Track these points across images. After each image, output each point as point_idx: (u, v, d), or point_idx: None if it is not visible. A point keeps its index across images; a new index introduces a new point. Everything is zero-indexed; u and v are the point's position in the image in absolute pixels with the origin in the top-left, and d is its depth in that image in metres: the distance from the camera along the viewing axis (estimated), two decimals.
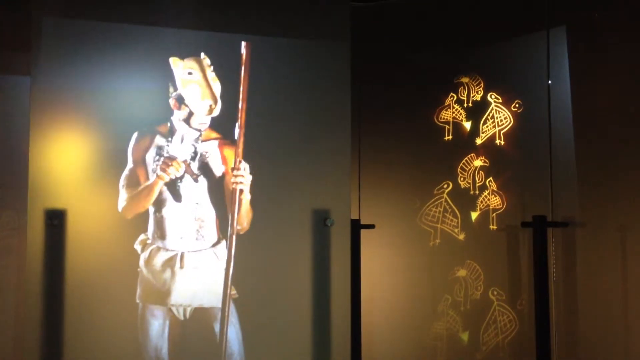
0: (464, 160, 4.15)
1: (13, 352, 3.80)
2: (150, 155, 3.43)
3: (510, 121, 3.95)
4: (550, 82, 3.74)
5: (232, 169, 3.50)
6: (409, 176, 4.43)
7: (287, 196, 3.59)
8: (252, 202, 3.53)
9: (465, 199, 4.15)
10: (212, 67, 3.52)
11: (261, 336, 3.51)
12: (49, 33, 3.29)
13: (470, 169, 4.11)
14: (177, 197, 3.46)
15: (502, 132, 3.98)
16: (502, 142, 3.97)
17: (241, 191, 3.49)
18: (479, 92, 4.13)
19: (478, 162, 4.08)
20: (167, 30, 3.49)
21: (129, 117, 3.42)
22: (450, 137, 4.24)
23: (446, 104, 4.28)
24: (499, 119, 4.00)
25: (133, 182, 3.40)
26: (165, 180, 3.44)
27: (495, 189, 3.98)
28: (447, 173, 4.24)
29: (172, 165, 3.45)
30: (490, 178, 4.01)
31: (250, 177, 3.51)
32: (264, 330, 3.52)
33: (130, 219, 3.39)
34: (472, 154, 4.11)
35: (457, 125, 4.22)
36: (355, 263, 3.80)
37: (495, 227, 3.95)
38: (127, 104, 3.41)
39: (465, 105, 4.20)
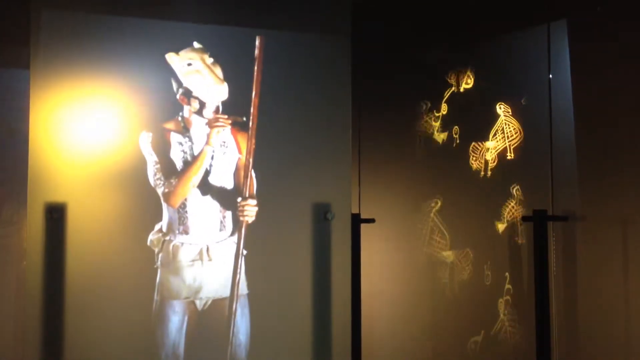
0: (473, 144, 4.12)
1: (13, 348, 3.80)
2: (175, 152, 3.43)
3: (514, 114, 3.95)
4: (550, 76, 3.73)
5: (240, 201, 3.50)
6: (409, 170, 4.43)
7: (288, 190, 3.59)
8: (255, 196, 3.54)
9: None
10: (209, 53, 3.51)
11: (262, 328, 3.51)
12: (48, 25, 3.27)
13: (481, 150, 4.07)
14: (204, 189, 3.46)
15: (506, 124, 3.98)
16: (503, 135, 3.97)
17: (246, 222, 3.51)
18: (479, 84, 4.13)
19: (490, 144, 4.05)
20: (171, 23, 3.47)
21: (130, 111, 3.40)
22: (450, 130, 4.24)
23: (445, 96, 4.27)
24: (499, 112, 4.00)
25: (170, 171, 3.41)
26: (213, 146, 3.46)
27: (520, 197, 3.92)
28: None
29: (219, 120, 3.46)
30: (517, 187, 3.92)
31: (256, 209, 3.52)
32: (265, 322, 3.52)
33: (176, 207, 3.40)
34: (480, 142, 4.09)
35: (457, 119, 4.22)
36: (355, 257, 3.80)
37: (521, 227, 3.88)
38: (129, 97, 3.40)
39: (464, 99, 4.19)
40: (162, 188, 3.39)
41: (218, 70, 3.52)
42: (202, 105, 3.48)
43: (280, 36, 3.62)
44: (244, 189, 3.51)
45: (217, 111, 3.51)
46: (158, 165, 3.39)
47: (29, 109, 3.26)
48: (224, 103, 3.52)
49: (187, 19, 3.51)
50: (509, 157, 3.94)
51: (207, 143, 3.47)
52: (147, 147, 3.38)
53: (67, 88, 3.31)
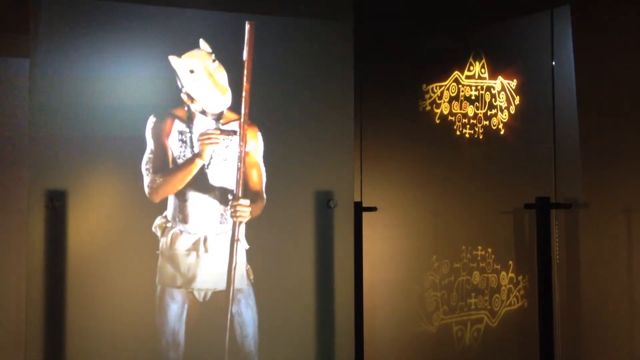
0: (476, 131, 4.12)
1: (15, 336, 3.80)
2: (173, 140, 3.40)
3: (515, 102, 3.93)
4: (554, 62, 3.72)
5: (232, 200, 3.47)
6: (410, 158, 4.42)
7: (291, 178, 3.58)
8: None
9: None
10: (213, 55, 3.47)
11: (265, 316, 3.51)
12: (48, 13, 3.25)
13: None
14: (204, 181, 3.43)
15: (506, 112, 3.96)
16: (506, 122, 3.95)
17: (240, 222, 3.48)
18: (483, 72, 4.11)
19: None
20: (173, 9, 3.45)
21: (130, 99, 3.39)
22: (452, 118, 4.23)
23: (448, 83, 4.26)
24: (502, 100, 3.98)
25: (160, 166, 3.37)
26: (205, 160, 3.42)
27: None
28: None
29: (211, 136, 3.41)
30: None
31: (249, 209, 3.48)
32: (268, 310, 3.52)
33: (157, 202, 3.38)
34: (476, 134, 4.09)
35: (458, 106, 4.21)
36: (357, 245, 3.80)
37: None
38: (128, 86, 3.38)
39: (467, 85, 4.18)
40: (147, 180, 3.36)
41: (223, 77, 3.48)
42: (204, 111, 3.45)
43: (281, 21, 3.60)
44: (237, 186, 3.48)
45: (221, 115, 3.48)
46: (151, 155, 3.37)
47: (28, 98, 3.24)
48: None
49: (191, 4, 3.48)
50: (511, 144, 3.93)
51: (199, 156, 3.43)
52: (148, 132, 3.37)
53: (67, 76, 3.28)
